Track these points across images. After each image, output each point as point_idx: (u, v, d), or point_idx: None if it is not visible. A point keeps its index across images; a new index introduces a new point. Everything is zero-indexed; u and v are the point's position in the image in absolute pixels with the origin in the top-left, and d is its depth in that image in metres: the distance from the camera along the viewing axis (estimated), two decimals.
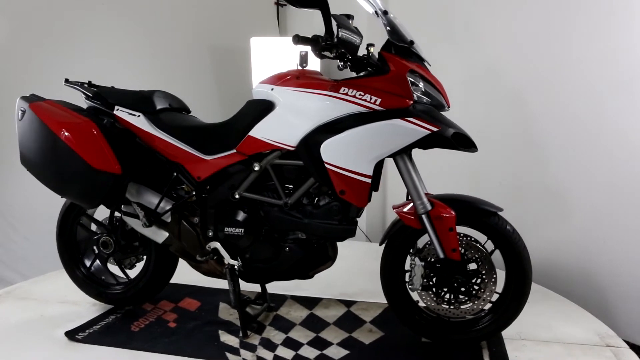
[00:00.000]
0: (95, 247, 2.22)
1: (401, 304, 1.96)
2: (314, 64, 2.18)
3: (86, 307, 2.31)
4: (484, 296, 1.85)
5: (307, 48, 1.76)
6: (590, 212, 2.57)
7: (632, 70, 2.36)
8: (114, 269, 2.29)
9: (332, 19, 1.66)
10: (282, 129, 1.83)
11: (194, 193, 2.00)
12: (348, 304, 2.34)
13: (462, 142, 1.73)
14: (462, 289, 1.85)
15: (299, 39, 1.65)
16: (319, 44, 1.66)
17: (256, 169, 1.88)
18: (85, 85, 2.11)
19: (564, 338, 2.00)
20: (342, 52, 1.71)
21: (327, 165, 1.74)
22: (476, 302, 1.86)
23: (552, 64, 2.64)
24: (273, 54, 3.17)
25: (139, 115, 2.00)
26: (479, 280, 1.85)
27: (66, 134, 1.82)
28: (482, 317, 1.90)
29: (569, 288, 2.51)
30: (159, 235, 2.04)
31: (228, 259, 1.95)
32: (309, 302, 2.35)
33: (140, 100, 2.01)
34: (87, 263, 2.29)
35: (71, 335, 2.02)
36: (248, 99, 2.01)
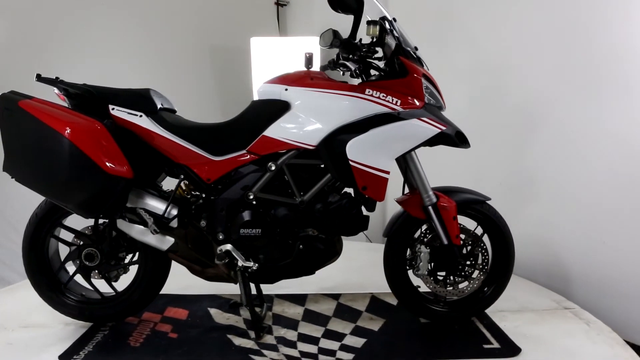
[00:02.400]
0: (75, 261, 2.01)
1: (404, 290, 2.12)
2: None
3: (60, 328, 2.08)
4: (479, 275, 2.09)
5: (319, 50, 1.83)
6: (585, 211, 2.54)
7: (626, 70, 2.32)
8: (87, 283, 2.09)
9: (378, 25, 1.76)
10: (301, 128, 1.86)
11: (203, 196, 1.94)
12: (334, 297, 2.43)
13: (461, 140, 1.94)
14: (462, 271, 2.07)
15: (340, 43, 1.71)
16: (358, 48, 1.75)
17: (272, 168, 1.89)
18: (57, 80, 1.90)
19: (530, 307, 2.33)
20: (366, 55, 1.82)
21: (352, 163, 1.82)
22: (471, 281, 2.10)
23: (548, 64, 2.66)
24: (273, 54, 3.12)
25: (140, 115, 1.86)
26: (473, 262, 2.09)
27: (74, 134, 1.63)
28: (477, 294, 2.13)
29: (566, 286, 2.61)
30: (164, 242, 1.92)
31: (242, 261, 1.92)
32: (297, 299, 2.39)
33: (140, 99, 1.88)
34: (61, 279, 2.06)
35: (66, 359, 1.82)
36: (251, 99, 2.01)
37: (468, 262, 2.08)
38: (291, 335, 2.04)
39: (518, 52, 2.80)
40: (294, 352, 1.90)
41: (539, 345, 1.95)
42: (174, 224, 1.92)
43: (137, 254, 2.06)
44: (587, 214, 2.52)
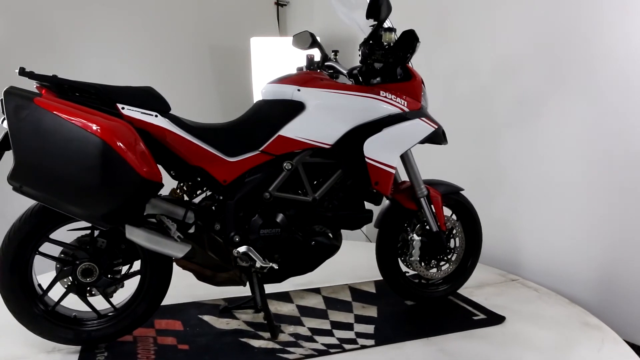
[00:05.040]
0: (64, 279, 1.79)
1: (393, 275, 2.29)
2: None
3: (42, 357, 1.83)
4: (458, 258, 2.36)
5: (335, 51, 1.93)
6: (584, 212, 2.55)
7: (621, 70, 2.31)
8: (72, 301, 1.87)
9: (404, 33, 1.89)
10: (318, 128, 1.92)
11: (220, 198, 1.88)
12: (316, 291, 2.51)
13: (444, 137, 2.18)
14: (447, 255, 2.31)
15: (367, 47, 1.82)
16: (375, 52, 1.87)
17: (289, 168, 1.91)
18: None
19: (486, 282, 2.68)
20: (379, 59, 1.96)
21: (368, 160, 1.94)
22: (451, 264, 2.35)
23: (548, 64, 2.66)
24: (273, 54, 2.98)
25: (156, 115, 1.74)
26: (453, 245, 2.35)
27: (106, 135, 1.46)
28: (463, 267, 2.39)
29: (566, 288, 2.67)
30: (180, 249, 1.80)
31: (260, 262, 1.91)
32: (282, 297, 2.41)
33: (152, 98, 1.74)
34: (48, 302, 1.82)
35: None
36: (251, 99, 2.01)
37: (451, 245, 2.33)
38: (303, 330, 2.07)
39: (508, 55, 2.85)
40: (318, 346, 1.94)
41: (513, 312, 2.27)
42: (192, 229, 1.83)
43: (135, 264, 1.91)
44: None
